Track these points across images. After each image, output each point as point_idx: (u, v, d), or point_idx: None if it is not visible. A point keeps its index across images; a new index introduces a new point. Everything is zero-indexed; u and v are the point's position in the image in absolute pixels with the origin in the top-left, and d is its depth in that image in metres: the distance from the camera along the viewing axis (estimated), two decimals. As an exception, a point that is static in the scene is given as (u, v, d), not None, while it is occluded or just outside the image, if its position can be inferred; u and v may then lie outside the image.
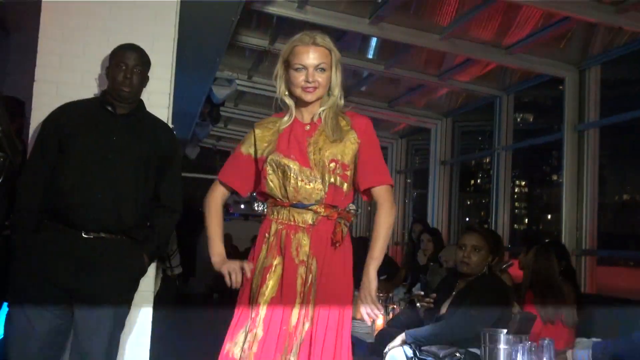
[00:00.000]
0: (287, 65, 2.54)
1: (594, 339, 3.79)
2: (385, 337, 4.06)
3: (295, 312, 2.42)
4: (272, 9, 5.64)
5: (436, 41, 5.90)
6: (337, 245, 2.47)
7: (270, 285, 2.45)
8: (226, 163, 2.69)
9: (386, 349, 3.79)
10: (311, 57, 2.48)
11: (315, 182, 2.46)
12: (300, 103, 2.56)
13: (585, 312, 4.19)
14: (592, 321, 4.22)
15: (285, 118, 2.59)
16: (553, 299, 3.89)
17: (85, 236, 2.92)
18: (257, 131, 2.61)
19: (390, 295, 5.17)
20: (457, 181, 8.83)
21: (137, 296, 3.44)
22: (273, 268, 2.47)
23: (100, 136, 3.00)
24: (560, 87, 6.08)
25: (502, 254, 3.90)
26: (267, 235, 2.52)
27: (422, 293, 3.86)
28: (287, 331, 2.40)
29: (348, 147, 2.50)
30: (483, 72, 6.89)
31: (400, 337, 3.79)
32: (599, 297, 5.22)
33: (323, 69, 2.50)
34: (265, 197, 2.57)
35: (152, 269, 3.52)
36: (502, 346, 3.00)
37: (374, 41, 6.69)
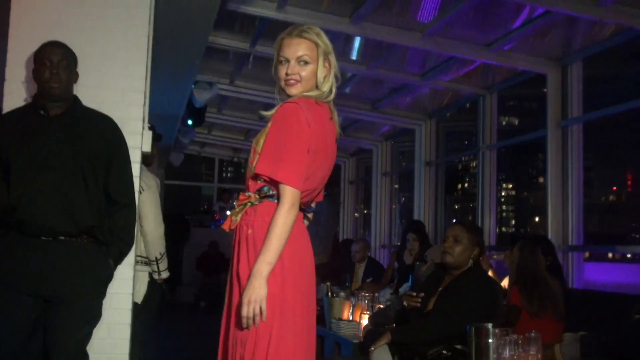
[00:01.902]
0: (276, 61, 2.49)
1: (582, 333, 3.76)
2: (372, 335, 3.99)
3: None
4: (251, 9, 5.58)
5: (418, 39, 5.87)
6: (229, 232, 2.39)
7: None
8: None
9: (372, 348, 3.73)
10: (293, 49, 2.41)
11: (248, 170, 2.46)
12: (287, 97, 2.46)
13: (572, 307, 4.16)
14: (579, 316, 4.19)
15: None
16: (539, 292, 3.85)
17: (44, 239, 2.86)
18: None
19: (376, 295, 5.11)
20: (443, 182, 8.80)
21: (116, 298, 3.38)
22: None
23: (37, 143, 2.92)
24: (545, 90, 6.07)
25: (483, 245, 3.85)
26: None
27: (414, 294, 3.78)
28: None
29: (262, 134, 2.40)
30: (466, 70, 6.87)
31: (386, 336, 3.73)
32: (585, 292, 5.20)
33: (306, 62, 2.42)
34: None
35: (129, 271, 3.45)
36: (489, 340, 2.94)
37: (357, 42, 6.66)
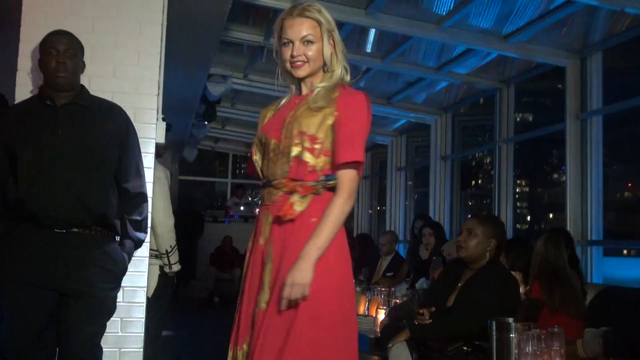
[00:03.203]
0: (280, 41, 2.41)
1: (605, 329, 3.66)
2: (390, 331, 3.92)
3: (260, 298, 2.26)
4: (265, 0, 5.51)
5: (434, 31, 5.78)
6: (285, 221, 2.24)
7: (244, 274, 2.36)
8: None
9: (390, 344, 3.66)
10: (296, 29, 2.34)
11: (282, 156, 2.32)
12: (294, 79, 2.43)
13: (593, 302, 4.07)
14: (601, 312, 4.10)
15: (285, 98, 2.49)
16: (561, 287, 3.76)
17: (57, 231, 2.81)
18: (263, 112, 2.52)
19: (393, 289, 5.05)
20: (458, 177, 8.72)
21: (130, 292, 3.34)
22: (251, 251, 2.37)
23: (45, 133, 2.87)
24: (559, 86, 5.98)
25: (503, 238, 3.74)
26: (255, 221, 2.44)
27: (422, 311, 3.67)
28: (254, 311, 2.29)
29: (320, 119, 2.28)
30: (483, 63, 6.77)
31: (405, 332, 3.66)
32: (607, 287, 5.10)
33: (311, 42, 2.33)
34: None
35: (143, 265, 3.41)
36: (512, 335, 2.87)
37: (372, 35, 6.58)
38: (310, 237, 2.18)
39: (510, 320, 2.98)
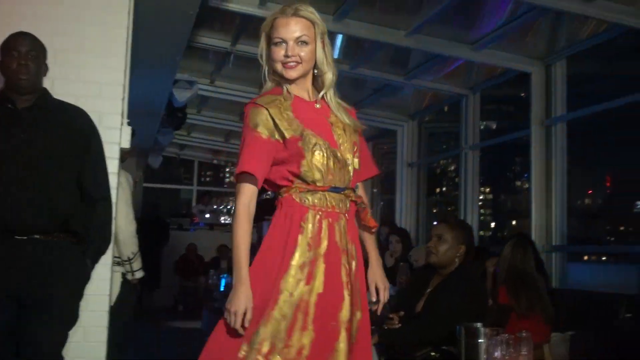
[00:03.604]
0: (269, 41, 2.33)
1: (571, 333, 3.70)
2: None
3: (346, 304, 2.22)
4: (233, 6, 5.48)
5: (401, 38, 5.80)
6: (374, 230, 2.50)
7: (318, 279, 2.22)
8: (247, 152, 2.25)
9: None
10: (291, 29, 2.26)
11: (346, 165, 2.31)
12: (285, 81, 2.33)
13: (558, 307, 4.10)
14: (566, 316, 4.14)
15: (283, 96, 2.33)
16: (528, 294, 3.78)
17: (18, 238, 2.73)
18: (271, 111, 2.26)
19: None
20: (425, 183, 8.76)
21: (92, 300, 3.26)
22: (318, 261, 2.24)
23: (5, 137, 2.79)
24: (522, 94, 6.05)
25: (471, 244, 3.74)
26: (302, 224, 2.24)
27: (391, 316, 3.65)
28: (336, 327, 2.20)
29: (356, 132, 2.39)
30: (449, 70, 6.82)
31: (373, 337, 3.64)
32: (571, 292, 5.16)
33: (305, 42, 2.28)
34: (283, 183, 2.29)
35: (106, 272, 3.34)
36: (480, 340, 2.86)
37: (339, 41, 6.58)
38: (373, 247, 2.52)
39: (479, 325, 2.97)
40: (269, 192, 2.59)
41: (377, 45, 6.25)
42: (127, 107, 3.56)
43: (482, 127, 7.58)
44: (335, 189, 2.29)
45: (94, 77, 3.36)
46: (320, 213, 2.25)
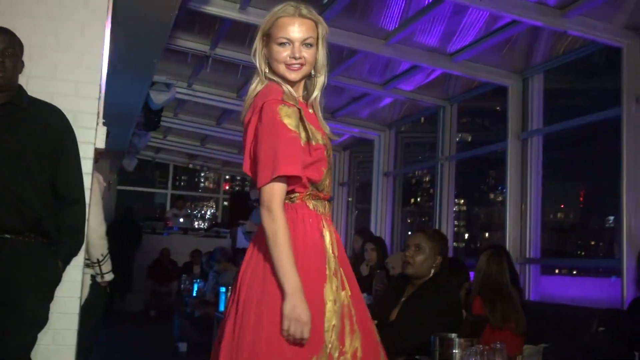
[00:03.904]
0: (269, 40, 2.25)
1: (544, 345, 3.71)
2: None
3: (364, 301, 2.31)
4: (213, 9, 5.44)
5: (381, 46, 5.81)
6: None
7: (346, 283, 2.23)
8: (287, 153, 2.10)
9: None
10: (297, 29, 2.20)
11: (331, 170, 2.30)
12: (285, 82, 2.26)
13: (531, 319, 4.12)
14: (539, 328, 4.15)
15: (295, 95, 2.27)
16: (503, 305, 3.79)
17: None
18: (301, 111, 2.21)
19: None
20: (400, 193, 8.77)
21: (62, 302, 3.20)
22: (339, 266, 2.24)
23: None
24: (498, 108, 6.09)
25: (447, 254, 3.75)
26: (324, 233, 2.22)
27: None
28: (372, 323, 2.29)
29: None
30: (427, 81, 6.84)
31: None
32: (544, 304, 5.18)
33: (310, 44, 2.23)
34: (298, 189, 2.20)
35: (77, 274, 3.28)
36: (455, 350, 2.86)
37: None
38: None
39: (454, 335, 2.96)
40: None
41: (356, 54, 6.25)
42: (103, 107, 3.51)
43: (458, 139, 7.63)
44: (327, 195, 2.29)
45: (70, 76, 3.30)
46: (326, 222, 2.25)
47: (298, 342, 2.04)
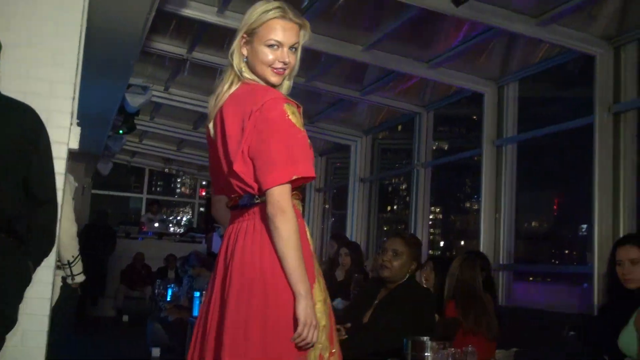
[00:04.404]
0: (252, 39, 2.20)
1: (515, 350, 3.74)
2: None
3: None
4: (190, 12, 5.43)
5: (358, 52, 5.83)
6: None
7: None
8: (302, 152, 2.09)
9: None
10: (288, 33, 2.18)
11: None
12: (266, 84, 2.23)
13: (504, 324, 4.14)
14: (511, 333, 4.18)
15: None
16: (476, 310, 3.81)
17: None
18: (300, 110, 2.20)
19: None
20: (376, 199, 8.80)
21: (32, 303, 3.16)
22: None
23: None
24: (474, 117, 6.15)
25: (420, 259, 3.78)
26: (308, 235, 2.21)
27: (339, 327, 3.62)
28: None
29: None
30: (404, 87, 6.88)
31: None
32: (515, 309, 5.23)
33: (295, 49, 2.22)
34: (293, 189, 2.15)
35: (48, 275, 3.24)
36: (427, 353, 2.87)
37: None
38: None
39: (426, 339, 2.97)
40: None
41: (333, 59, 6.27)
42: (77, 108, 3.48)
43: (434, 146, 7.68)
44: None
45: (43, 75, 3.27)
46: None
47: (309, 347, 2.02)
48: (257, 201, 2.12)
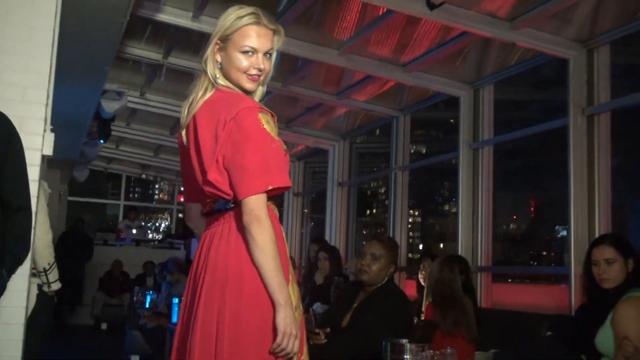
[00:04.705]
0: (226, 45, 2.17)
1: (494, 351, 3.75)
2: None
3: None
4: (165, 17, 5.41)
5: (334, 56, 5.84)
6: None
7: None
8: (276, 162, 2.07)
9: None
10: (263, 40, 2.14)
11: None
12: (240, 91, 2.20)
13: (483, 326, 4.16)
14: (489, 335, 4.20)
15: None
16: (455, 312, 3.82)
17: None
18: (274, 120, 2.19)
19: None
20: (355, 203, 8.81)
21: (7, 312, 3.12)
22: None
23: None
24: (452, 120, 6.18)
25: (397, 262, 3.78)
26: (283, 238, 2.18)
27: (317, 331, 3.60)
28: None
29: None
30: (381, 91, 6.90)
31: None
32: (494, 311, 5.25)
33: (270, 55, 2.19)
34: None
35: (24, 283, 3.20)
36: (406, 356, 2.86)
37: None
38: None
39: (405, 341, 2.97)
40: None
41: (310, 64, 6.27)
42: (51, 114, 3.44)
43: (413, 150, 7.70)
44: None
45: (15, 81, 3.22)
46: None
47: (290, 357, 1.98)
48: (232, 205, 2.10)
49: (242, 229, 2.04)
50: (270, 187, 2.02)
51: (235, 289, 2.01)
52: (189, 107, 2.21)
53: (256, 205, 2.00)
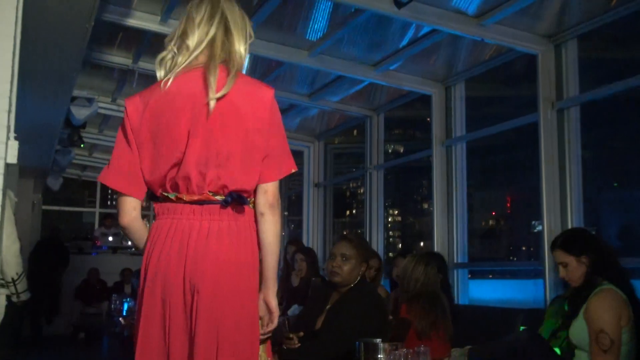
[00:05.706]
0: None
1: (469, 347, 3.75)
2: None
3: None
4: (134, 22, 5.35)
5: (306, 57, 5.82)
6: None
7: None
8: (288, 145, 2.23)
9: (258, 370, 3.54)
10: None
11: None
12: None
13: (459, 323, 4.16)
14: (466, 331, 4.20)
15: None
16: (430, 309, 3.80)
17: None
18: None
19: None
20: (331, 204, 8.80)
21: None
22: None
23: None
24: (428, 118, 6.19)
25: (368, 260, 3.76)
26: None
27: (291, 336, 3.56)
28: None
29: None
30: (354, 92, 6.89)
31: (274, 357, 3.56)
32: (471, 307, 5.27)
33: None
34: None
35: (-9, 294, 3.14)
36: (379, 355, 2.85)
37: (245, 60, 6.51)
38: None
39: (378, 341, 2.95)
40: None
41: (282, 65, 6.24)
42: (17, 122, 3.37)
43: (390, 149, 7.71)
44: None
45: (-23, 88, 3.16)
46: None
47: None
48: (249, 204, 2.07)
49: (246, 223, 2.04)
50: (293, 171, 2.12)
51: (249, 280, 2.03)
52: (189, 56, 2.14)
53: (277, 189, 2.10)
